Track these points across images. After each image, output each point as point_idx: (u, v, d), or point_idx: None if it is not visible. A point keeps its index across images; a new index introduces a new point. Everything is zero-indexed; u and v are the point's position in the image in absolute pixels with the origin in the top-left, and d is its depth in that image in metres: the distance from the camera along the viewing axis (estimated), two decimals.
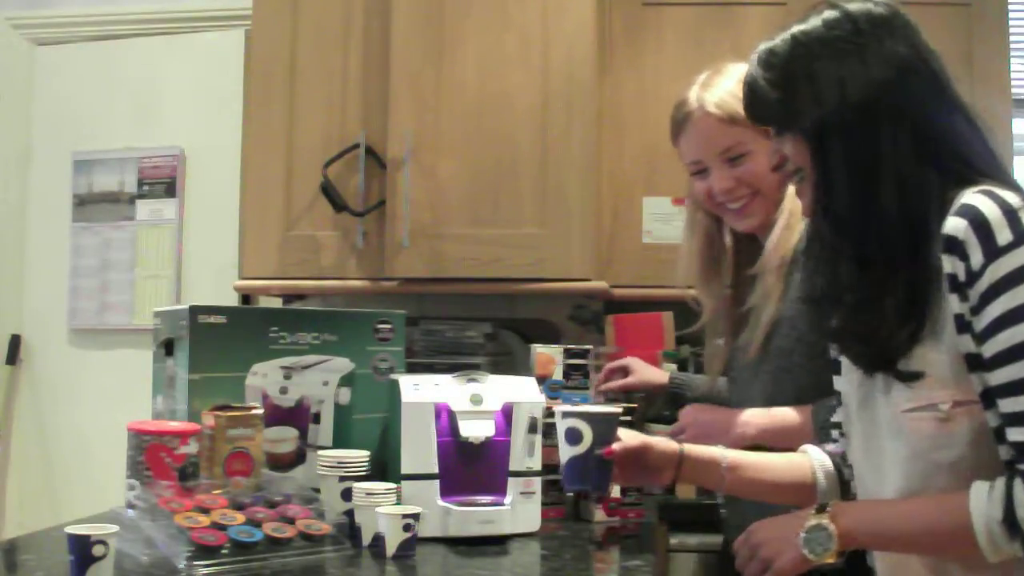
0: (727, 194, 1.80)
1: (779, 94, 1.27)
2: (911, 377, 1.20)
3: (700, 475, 1.52)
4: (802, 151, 1.27)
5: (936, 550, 1.22)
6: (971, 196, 1.17)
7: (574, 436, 1.49)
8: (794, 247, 1.75)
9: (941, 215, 1.18)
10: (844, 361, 1.37)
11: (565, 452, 1.51)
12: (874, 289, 1.23)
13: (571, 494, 1.65)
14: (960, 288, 1.15)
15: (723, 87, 1.79)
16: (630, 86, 2.79)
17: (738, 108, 1.66)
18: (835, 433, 1.49)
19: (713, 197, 1.82)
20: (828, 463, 1.49)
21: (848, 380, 1.37)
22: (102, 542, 1.46)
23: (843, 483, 1.48)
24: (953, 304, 1.16)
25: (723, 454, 1.51)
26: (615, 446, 1.49)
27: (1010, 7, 2.79)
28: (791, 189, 1.76)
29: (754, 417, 1.77)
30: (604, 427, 1.49)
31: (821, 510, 1.25)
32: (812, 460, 1.50)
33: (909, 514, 1.21)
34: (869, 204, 1.22)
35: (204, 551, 1.60)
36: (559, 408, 1.54)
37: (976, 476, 1.17)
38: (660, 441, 1.51)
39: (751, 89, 1.31)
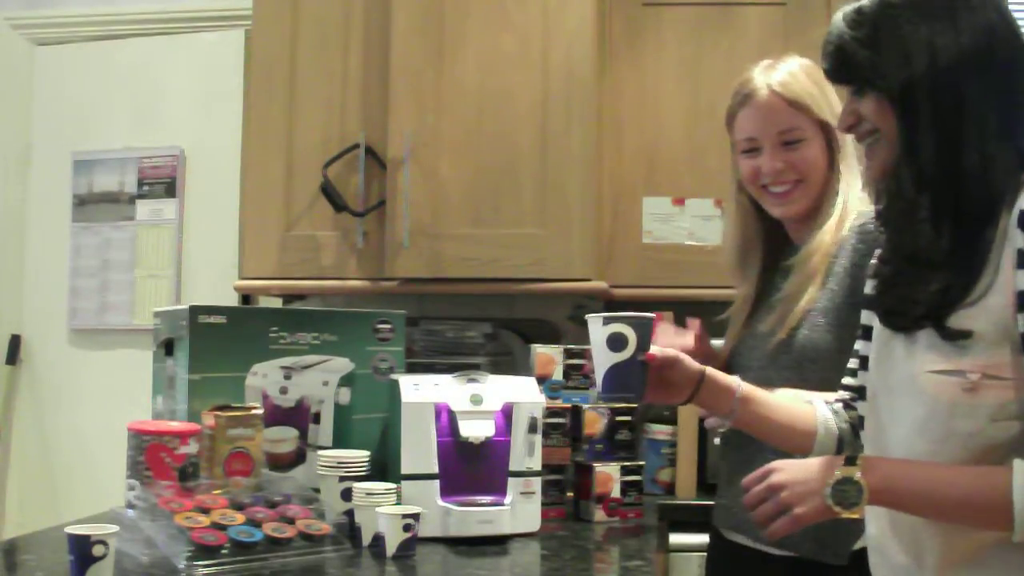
0: (774, 175, 1.81)
1: (868, 53, 1.27)
2: (958, 336, 1.19)
3: (714, 400, 1.53)
4: (884, 111, 1.27)
5: (963, 520, 1.20)
6: None
7: (618, 342, 1.48)
8: (840, 239, 1.77)
9: (1015, 192, 1.19)
10: (875, 324, 1.37)
11: (607, 359, 1.49)
12: (945, 249, 1.24)
13: (609, 401, 1.59)
14: None
15: (787, 71, 1.82)
16: (630, 86, 2.79)
17: (801, 93, 1.71)
18: (847, 395, 1.52)
19: (759, 178, 1.83)
20: (831, 419, 1.52)
21: (876, 341, 1.37)
22: (102, 542, 1.46)
23: (840, 441, 1.51)
24: (1020, 280, 1.16)
25: (739, 384, 1.53)
26: (653, 351, 1.49)
27: (1010, 7, 2.79)
28: (843, 183, 1.78)
29: None
30: (645, 332, 1.49)
31: (851, 462, 1.24)
32: (817, 413, 1.52)
33: (944, 480, 1.20)
34: (953, 167, 1.22)
35: (204, 551, 1.60)
36: (597, 316, 1.52)
37: (988, 453, 1.17)
38: (687, 358, 1.52)
39: (837, 48, 1.31)
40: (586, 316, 1.57)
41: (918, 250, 1.26)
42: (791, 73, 1.80)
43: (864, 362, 1.44)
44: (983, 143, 1.21)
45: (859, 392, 1.45)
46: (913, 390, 1.24)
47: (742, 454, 1.82)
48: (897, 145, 1.27)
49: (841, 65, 1.32)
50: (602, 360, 1.50)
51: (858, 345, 1.47)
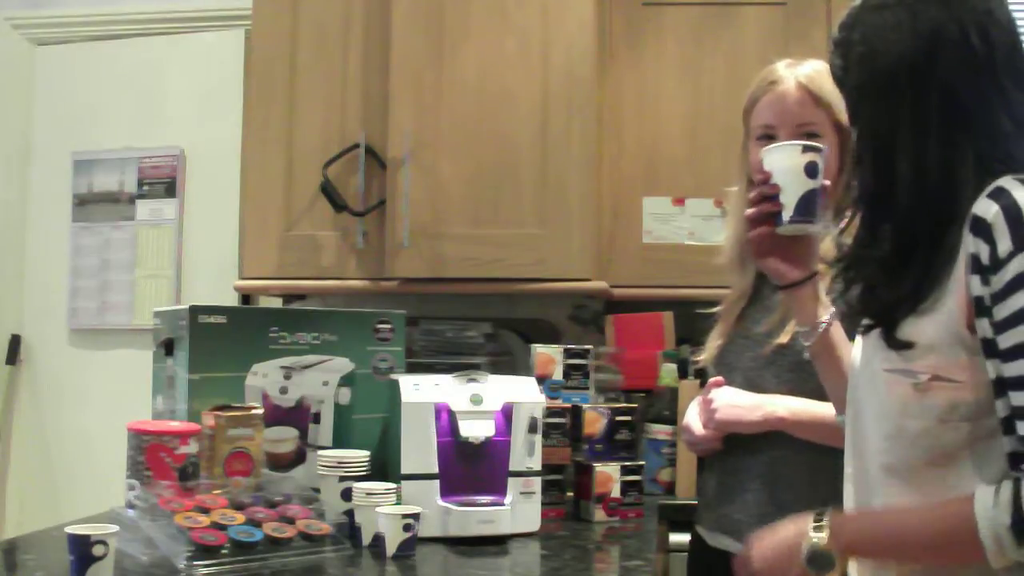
0: None
1: (838, 60, 1.29)
2: (901, 346, 1.19)
3: (810, 305, 1.49)
4: (848, 117, 1.30)
5: (942, 559, 1.19)
6: (1008, 181, 1.15)
7: (814, 169, 1.46)
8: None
9: (971, 197, 1.16)
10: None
11: (801, 186, 1.46)
12: (891, 259, 1.23)
13: (795, 226, 1.56)
14: (983, 271, 1.13)
15: (813, 68, 1.82)
16: (630, 86, 2.79)
17: (825, 91, 1.69)
18: None
19: None
20: None
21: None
22: (102, 542, 1.46)
23: None
24: (974, 286, 1.14)
25: (834, 313, 1.50)
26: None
27: (1010, 7, 2.79)
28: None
29: (785, 399, 1.76)
30: (826, 162, 1.50)
31: (819, 523, 1.24)
32: None
33: (912, 526, 1.19)
34: (888, 177, 1.21)
35: (204, 551, 1.60)
36: (793, 143, 1.51)
37: (939, 453, 1.17)
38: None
39: (830, 53, 1.32)
40: (771, 146, 1.52)
41: (853, 256, 1.27)
42: (817, 71, 1.80)
43: None
44: (922, 149, 1.19)
45: None
46: (873, 385, 1.25)
47: (727, 462, 1.84)
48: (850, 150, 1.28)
49: (832, 71, 1.33)
50: (796, 186, 1.47)
51: None
